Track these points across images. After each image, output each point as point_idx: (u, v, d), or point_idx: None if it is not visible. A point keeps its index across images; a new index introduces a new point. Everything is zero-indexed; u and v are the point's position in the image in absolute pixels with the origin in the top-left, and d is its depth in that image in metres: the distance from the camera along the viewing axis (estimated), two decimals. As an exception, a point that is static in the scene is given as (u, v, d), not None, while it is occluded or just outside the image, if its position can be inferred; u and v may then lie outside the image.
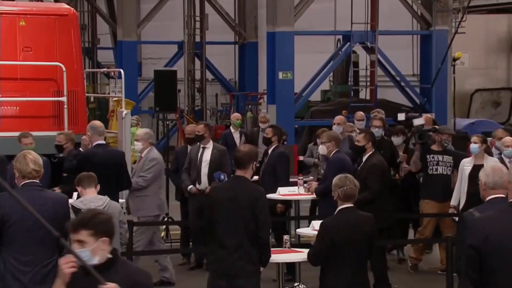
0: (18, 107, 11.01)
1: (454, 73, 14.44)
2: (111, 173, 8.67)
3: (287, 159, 9.90)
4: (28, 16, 11.14)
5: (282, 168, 9.74)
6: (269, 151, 9.85)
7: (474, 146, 9.39)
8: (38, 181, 5.70)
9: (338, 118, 11.11)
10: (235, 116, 13.95)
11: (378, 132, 10.37)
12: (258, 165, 6.43)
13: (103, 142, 8.93)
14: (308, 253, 6.19)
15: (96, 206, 6.46)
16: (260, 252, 6.19)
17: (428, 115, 11.90)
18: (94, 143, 8.84)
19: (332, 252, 5.96)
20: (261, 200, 6.18)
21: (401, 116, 12.28)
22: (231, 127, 13.74)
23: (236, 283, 6.11)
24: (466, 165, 9.47)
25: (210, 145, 10.02)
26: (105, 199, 6.57)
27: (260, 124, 13.27)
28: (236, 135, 13.28)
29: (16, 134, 10.73)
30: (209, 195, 6.42)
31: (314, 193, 9.31)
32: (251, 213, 6.10)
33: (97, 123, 9.25)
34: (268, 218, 6.19)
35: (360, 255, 6.03)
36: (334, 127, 10.66)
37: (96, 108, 22.03)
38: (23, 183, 5.65)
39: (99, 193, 6.78)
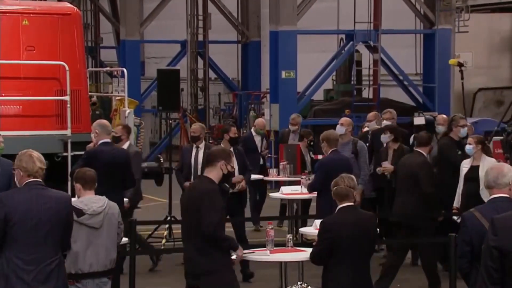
0: (21, 106, 11.02)
1: (462, 78, 14.23)
2: (117, 171, 8.69)
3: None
4: (31, 15, 11.14)
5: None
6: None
7: (468, 147, 9.41)
8: (41, 180, 5.70)
9: (344, 119, 10.79)
10: (260, 124, 13.22)
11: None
12: (233, 169, 6.31)
13: (108, 140, 8.95)
14: (311, 252, 6.20)
15: (98, 207, 6.47)
16: (217, 246, 6.15)
17: (444, 115, 11.66)
18: (100, 142, 8.85)
19: (333, 250, 5.96)
20: (205, 199, 6.08)
21: (420, 120, 11.97)
22: (252, 130, 13.33)
23: (201, 282, 6.16)
24: (465, 166, 9.47)
25: (202, 146, 10.13)
26: (104, 199, 6.59)
27: (290, 126, 12.89)
28: (258, 139, 12.92)
29: (19, 133, 10.76)
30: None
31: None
32: (196, 213, 6.10)
33: (105, 122, 9.28)
34: (211, 214, 6.05)
35: (362, 254, 6.03)
36: (338, 127, 10.48)
37: (99, 107, 22.02)
38: (26, 181, 5.66)
39: (105, 191, 6.78)
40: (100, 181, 8.55)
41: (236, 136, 10.20)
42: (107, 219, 6.50)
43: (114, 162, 8.68)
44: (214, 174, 6.21)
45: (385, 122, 11.32)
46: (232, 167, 6.33)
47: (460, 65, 14.43)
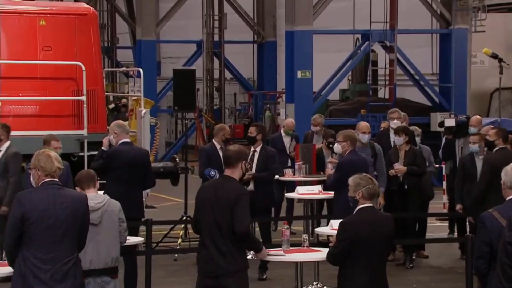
0: (38, 106, 11.07)
1: (501, 72, 13.95)
2: (136, 171, 8.70)
3: (276, 158, 10.08)
4: (48, 15, 11.20)
5: (275, 164, 9.92)
6: (258, 150, 9.89)
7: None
8: (57, 180, 5.72)
9: (365, 128, 10.52)
10: (289, 125, 12.92)
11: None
12: (249, 165, 6.37)
13: (128, 140, 8.96)
14: (328, 253, 6.19)
15: (96, 203, 6.49)
16: (246, 245, 6.21)
17: (478, 116, 11.53)
18: (120, 141, 8.88)
19: (351, 251, 5.95)
20: (241, 200, 6.12)
21: (450, 122, 11.86)
22: (282, 131, 12.99)
23: (220, 282, 6.15)
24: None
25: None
26: (105, 197, 6.60)
27: (312, 128, 12.73)
28: (287, 139, 12.65)
29: (36, 133, 10.81)
30: (196, 194, 6.45)
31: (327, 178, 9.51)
32: (230, 214, 6.11)
33: (122, 122, 9.31)
34: (245, 215, 6.11)
35: (380, 255, 6.01)
36: (362, 135, 10.28)
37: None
38: (43, 181, 5.68)
39: (125, 190, 6.77)
40: (120, 180, 8.61)
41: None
42: (106, 216, 6.51)
43: (134, 161, 8.69)
44: (236, 174, 6.25)
45: (395, 122, 11.21)
46: (249, 165, 6.36)
47: (495, 56, 14.23)
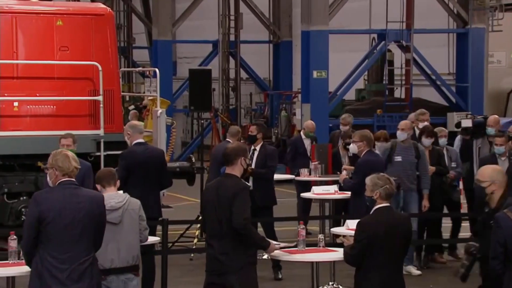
0: (54, 106, 11.11)
1: None
2: (151, 171, 8.71)
3: (276, 156, 10.10)
4: (65, 16, 11.23)
5: (273, 162, 9.94)
6: (258, 148, 9.90)
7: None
8: (74, 179, 5.74)
9: (404, 124, 10.27)
10: (310, 127, 12.73)
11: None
12: (250, 162, 6.43)
13: (142, 141, 8.98)
14: (345, 253, 6.17)
15: (117, 202, 6.51)
16: (248, 240, 6.21)
17: (496, 116, 11.43)
18: (134, 142, 8.90)
19: (368, 251, 5.94)
20: (239, 195, 6.16)
21: (467, 123, 11.78)
22: (302, 133, 12.84)
23: (225, 280, 6.19)
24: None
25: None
26: (125, 196, 6.63)
27: (341, 127, 12.60)
28: (307, 142, 12.50)
29: (53, 133, 10.85)
30: (201, 196, 6.50)
31: (342, 183, 9.49)
32: (229, 210, 6.16)
33: (135, 122, 9.33)
34: (242, 209, 6.13)
35: (397, 255, 6.00)
36: (398, 132, 10.10)
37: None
38: (59, 181, 5.70)
39: (142, 190, 6.80)
40: (136, 181, 8.62)
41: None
42: (127, 215, 6.53)
43: (149, 161, 8.70)
44: (236, 171, 6.31)
45: (425, 124, 11.11)
46: (249, 161, 6.41)
47: None
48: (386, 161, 9.91)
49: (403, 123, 10.28)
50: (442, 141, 10.66)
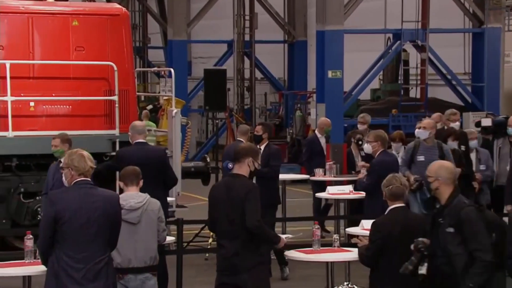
0: (70, 106, 11.15)
1: None
2: (151, 170, 8.48)
3: (280, 156, 10.11)
4: (80, 16, 11.27)
5: (276, 161, 9.94)
6: (262, 148, 9.96)
7: None
8: (90, 179, 5.76)
9: (426, 122, 9.96)
10: (326, 123, 12.62)
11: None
12: (259, 167, 6.37)
13: (142, 140, 8.98)
14: (361, 253, 6.16)
15: (136, 203, 6.53)
16: (260, 239, 6.23)
17: None
18: (134, 142, 8.93)
19: (383, 251, 5.93)
20: (251, 195, 6.18)
21: (487, 122, 11.66)
22: (316, 132, 12.68)
23: (237, 279, 6.21)
24: None
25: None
26: (145, 196, 6.65)
27: (358, 126, 12.47)
28: (323, 141, 12.37)
29: (69, 132, 10.88)
30: (209, 194, 6.49)
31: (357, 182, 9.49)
32: (241, 210, 6.16)
33: (137, 122, 9.35)
34: (255, 210, 6.16)
35: (411, 255, 5.99)
36: (419, 131, 9.83)
37: (145, 106, 22.23)
38: (75, 181, 5.72)
39: (143, 190, 6.78)
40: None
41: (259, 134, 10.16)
42: (145, 215, 6.55)
43: (147, 161, 8.48)
44: (243, 170, 6.32)
45: (457, 124, 10.99)
46: (259, 165, 6.39)
47: None
48: (409, 161, 9.85)
49: (425, 122, 10.06)
50: (473, 143, 10.41)
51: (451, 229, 5.47)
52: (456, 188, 5.62)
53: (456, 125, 11.06)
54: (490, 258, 5.40)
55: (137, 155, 8.68)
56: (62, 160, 8.59)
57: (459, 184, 9.90)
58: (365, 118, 12.46)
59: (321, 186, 11.66)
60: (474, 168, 10.34)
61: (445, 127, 10.94)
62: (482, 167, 10.38)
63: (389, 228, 5.92)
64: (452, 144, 10.22)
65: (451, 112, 11.48)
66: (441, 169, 5.63)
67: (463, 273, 5.39)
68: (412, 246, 5.66)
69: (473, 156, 10.43)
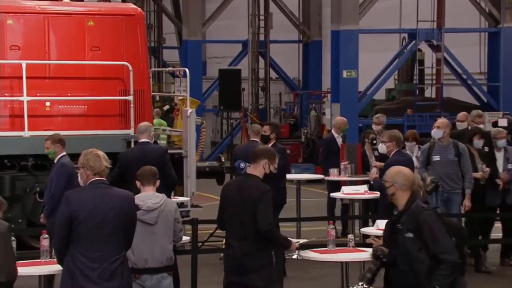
0: (85, 106, 11.20)
1: None
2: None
3: (285, 155, 10.06)
4: (96, 16, 11.32)
5: (280, 161, 9.86)
6: None
7: None
8: (105, 179, 5.78)
9: (440, 122, 9.97)
10: (342, 122, 12.56)
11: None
12: (275, 170, 6.38)
13: (145, 140, 9.02)
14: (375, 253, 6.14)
15: (153, 203, 6.55)
16: (266, 242, 6.24)
17: None
18: (139, 142, 9.01)
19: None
20: (264, 198, 6.18)
21: (503, 122, 11.57)
22: (333, 131, 12.58)
23: (246, 279, 6.21)
24: None
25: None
26: (162, 196, 6.66)
27: (373, 126, 12.40)
28: (340, 140, 12.28)
29: (84, 132, 10.94)
30: (221, 193, 6.49)
31: (372, 181, 9.42)
32: (253, 211, 6.17)
33: (142, 123, 9.44)
34: (268, 213, 6.17)
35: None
36: (434, 130, 9.87)
37: (161, 106, 22.30)
38: (90, 180, 5.74)
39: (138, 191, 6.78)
40: (130, 180, 8.52)
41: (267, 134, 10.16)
42: (162, 216, 6.56)
43: (144, 160, 8.44)
44: (258, 172, 6.32)
45: (482, 126, 10.95)
46: (275, 168, 6.37)
47: None
48: (426, 162, 9.82)
49: (439, 121, 10.08)
50: (501, 142, 10.28)
51: (410, 235, 5.36)
52: (413, 193, 5.50)
53: (463, 124, 11.03)
54: (457, 259, 5.32)
55: (136, 155, 8.74)
56: (55, 161, 8.74)
57: (486, 183, 9.94)
58: (380, 118, 12.43)
59: (337, 186, 11.65)
60: (502, 168, 10.25)
61: (469, 128, 10.90)
62: (510, 166, 10.28)
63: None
64: (478, 143, 10.15)
65: (476, 114, 11.43)
66: (398, 175, 5.54)
67: (427, 278, 5.30)
68: (370, 255, 5.55)
69: (501, 155, 10.33)
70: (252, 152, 6.44)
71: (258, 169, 6.32)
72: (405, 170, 5.65)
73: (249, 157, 6.44)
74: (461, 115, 11.50)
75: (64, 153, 8.76)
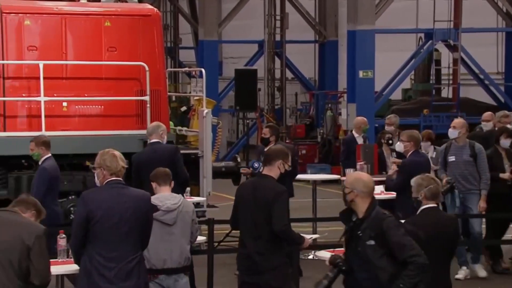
0: (102, 106, 11.24)
1: None
2: (156, 168, 8.55)
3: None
4: (113, 16, 11.36)
5: None
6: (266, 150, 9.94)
7: None
8: (122, 179, 5.80)
9: (456, 122, 9.94)
10: (362, 122, 12.49)
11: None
12: (289, 168, 6.41)
13: (155, 140, 9.05)
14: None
15: (172, 204, 6.57)
16: (280, 242, 6.25)
17: None
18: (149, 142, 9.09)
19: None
20: (279, 199, 6.18)
21: None
22: (354, 132, 12.52)
23: (260, 279, 6.22)
24: None
25: None
26: (179, 197, 6.69)
27: (386, 127, 12.35)
28: (360, 140, 12.21)
29: (101, 132, 10.99)
30: (236, 192, 6.50)
31: (386, 180, 9.41)
32: (268, 212, 6.18)
33: (150, 125, 9.48)
34: (283, 214, 6.18)
35: (444, 256, 5.95)
36: (450, 130, 9.81)
37: (178, 107, 22.35)
38: (107, 180, 5.76)
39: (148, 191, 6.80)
40: (143, 179, 8.57)
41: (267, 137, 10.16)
42: (181, 217, 6.58)
43: (154, 159, 8.55)
44: (274, 173, 6.33)
45: (484, 124, 10.88)
46: (289, 166, 6.39)
47: None
48: (443, 163, 9.77)
49: (456, 121, 10.02)
50: None
51: (372, 242, 5.25)
52: (373, 200, 5.39)
53: (489, 124, 10.93)
54: (425, 261, 5.26)
55: (146, 155, 8.78)
56: (39, 163, 8.74)
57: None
58: (392, 119, 12.44)
59: None
60: None
61: (496, 128, 10.85)
62: None
63: (421, 228, 5.89)
64: (505, 142, 10.04)
65: (503, 114, 11.33)
66: (358, 182, 5.40)
67: (388, 286, 5.21)
68: (327, 261, 5.44)
69: None
70: (266, 155, 6.47)
71: (273, 171, 6.35)
72: (365, 176, 5.54)
73: (263, 159, 6.46)
74: (487, 115, 11.43)
75: (49, 155, 8.78)
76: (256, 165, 9.29)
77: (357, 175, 5.59)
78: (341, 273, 5.34)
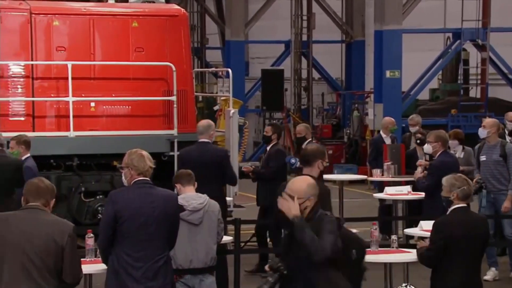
0: (130, 106, 11.29)
1: None
2: (205, 169, 8.54)
3: (282, 156, 10.00)
4: (140, 17, 11.41)
5: (274, 162, 9.86)
6: (268, 148, 10.01)
7: None
8: (149, 179, 5.82)
9: (486, 121, 9.83)
10: (390, 122, 12.49)
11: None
12: (327, 164, 6.44)
13: (205, 140, 9.05)
14: (421, 254, 6.10)
15: (198, 204, 6.58)
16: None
17: None
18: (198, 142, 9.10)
19: (445, 252, 5.86)
20: (323, 197, 5.85)
21: None
22: (381, 132, 12.52)
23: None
24: None
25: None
26: (205, 197, 6.70)
27: (410, 128, 12.36)
28: (388, 141, 12.19)
29: (128, 132, 11.04)
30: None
31: (416, 181, 9.37)
32: None
33: (201, 122, 9.43)
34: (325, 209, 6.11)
35: (474, 256, 5.91)
36: (480, 130, 9.73)
37: (204, 107, 22.41)
38: (134, 180, 5.78)
39: (197, 188, 6.85)
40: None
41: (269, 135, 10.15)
42: (207, 216, 6.60)
43: (201, 160, 8.65)
44: (314, 173, 6.31)
45: (510, 124, 10.88)
46: (327, 162, 6.41)
47: None
48: (476, 162, 9.72)
49: (486, 120, 9.96)
50: None
51: None
52: (318, 202, 5.14)
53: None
54: (321, 259, 4.90)
55: (195, 155, 8.79)
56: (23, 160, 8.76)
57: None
58: (415, 119, 12.40)
59: (382, 186, 11.58)
60: None
61: None
62: None
63: (450, 229, 5.85)
64: None
65: (510, 114, 11.31)
66: (310, 187, 5.08)
67: None
68: (266, 267, 5.22)
69: None
70: (304, 156, 6.46)
71: (314, 171, 6.33)
72: (308, 179, 5.23)
73: (302, 159, 6.46)
74: (511, 114, 11.35)
75: (28, 154, 8.81)
76: (293, 160, 9.32)
77: (302, 182, 5.17)
78: (281, 278, 5.07)
